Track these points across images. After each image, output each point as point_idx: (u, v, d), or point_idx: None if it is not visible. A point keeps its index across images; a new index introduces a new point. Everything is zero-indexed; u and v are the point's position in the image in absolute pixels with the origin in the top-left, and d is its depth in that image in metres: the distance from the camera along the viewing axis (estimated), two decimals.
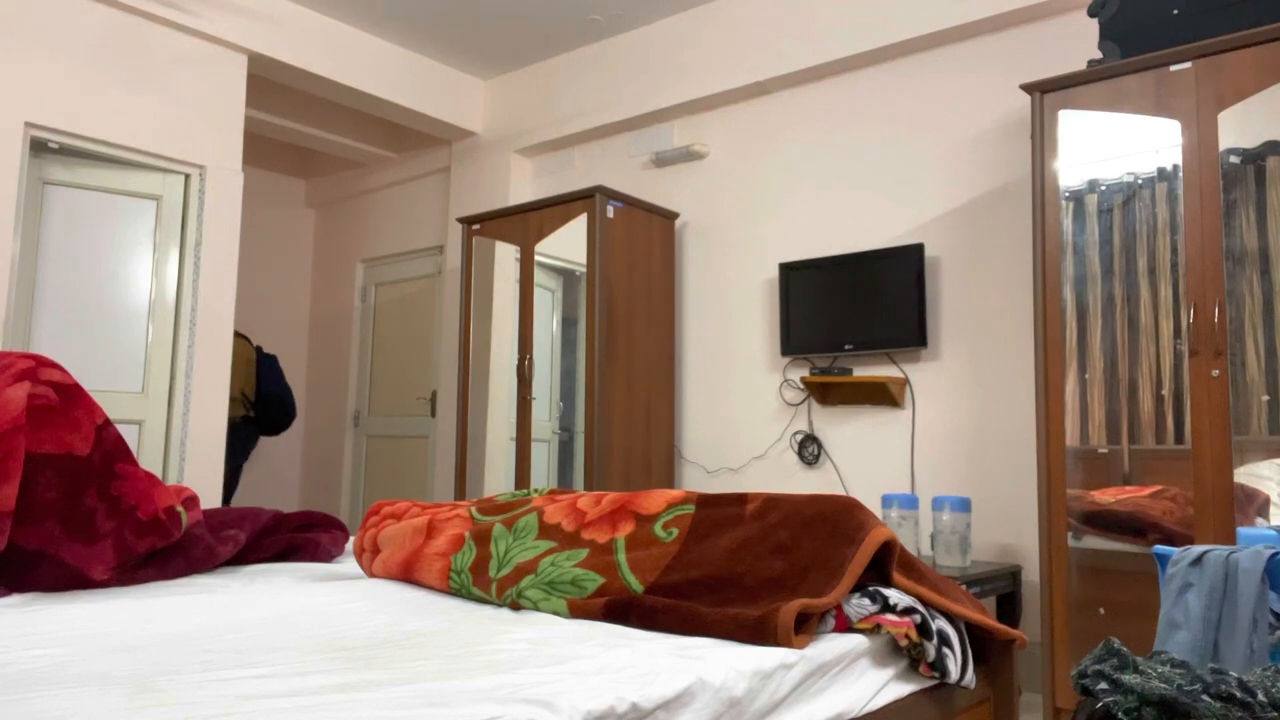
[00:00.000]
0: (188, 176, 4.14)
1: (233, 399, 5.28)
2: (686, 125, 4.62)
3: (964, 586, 2.43)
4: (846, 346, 3.82)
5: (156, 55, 4.03)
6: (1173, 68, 2.74)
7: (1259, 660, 1.65)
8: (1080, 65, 3.41)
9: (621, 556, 1.65)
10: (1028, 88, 2.98)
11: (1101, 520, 2.78)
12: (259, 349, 5.51)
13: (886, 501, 3.27)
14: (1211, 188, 2.65)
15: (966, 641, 1.64)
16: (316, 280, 6.52)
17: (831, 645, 1.41)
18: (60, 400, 1.94)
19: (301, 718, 0.99)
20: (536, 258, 4.38)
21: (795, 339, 3.98)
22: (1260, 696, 1.13)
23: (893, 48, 3.85)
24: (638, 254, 4.30)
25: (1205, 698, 1.14)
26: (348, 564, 2.34)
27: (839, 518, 1.55)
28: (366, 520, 2.19)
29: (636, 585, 1.59)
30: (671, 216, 4.50)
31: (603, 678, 1.16)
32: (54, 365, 1.99)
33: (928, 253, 3.75)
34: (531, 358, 4.32)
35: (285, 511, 2.52)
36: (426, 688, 1.11)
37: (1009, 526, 3.46)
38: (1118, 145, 2.86)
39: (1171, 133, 2.74)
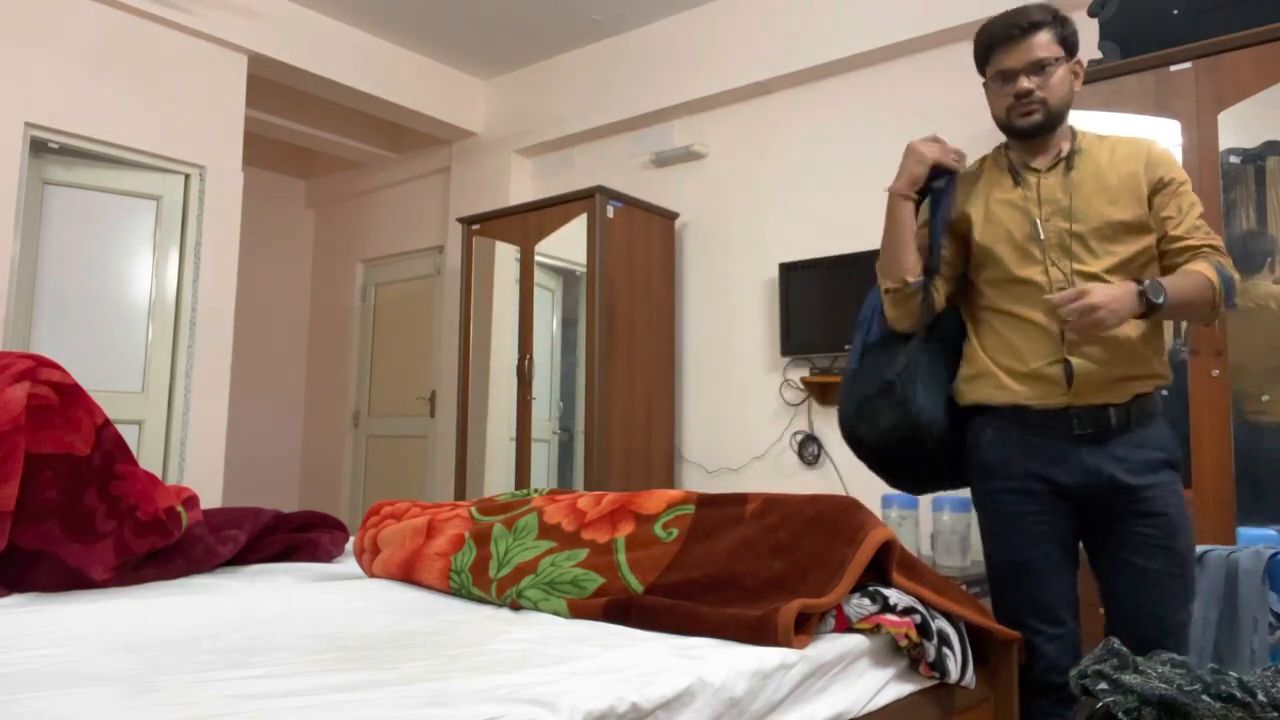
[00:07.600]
0: (188, 176, 4.14)
1: None
2: (686, 125, 4.62)
3: (964, 586, 2.42)
4: (846, 346, 3.81)
5: (156, 55, 4.03)
6: (1173, 68, 2.74)
7: (1259, 660, 1.65)
8: None
9: (621, 556, 1.65)
10: None
11: None
12: None
13: (886, 501, 3.27)
14: (1211, 188, 2.65)
15: (966, 641, 1.64)
16: (316, 280, 6.52)
17: (831, 645, 1.41)
18: (60, 400, 1.94)
19: (301, 718, 0.99)
20: (536, 258, 4.38)
21: (795, 339, 3.98)
22: (1260, 696, 1.13)
23: (893, 48, 3.84)
24: (638, 254, 4.30)
25: (1205, 698, 1.14)
26: (348, 564, 2.34)
27: (839, 518, 1.55)
28: (366, 520, 2.19)
29: (636, 585, 1.58)
30: (671, 216, 4.49)
31: (603, 678, 1.16)
32: (54, 365, 1.99)
33: None
34: (531, 358, 4.31)
35: (285, 511, 2.52)
36: (426, 688, 1.11)
37: None
38: None
39: (1171, 133, 2.73)
